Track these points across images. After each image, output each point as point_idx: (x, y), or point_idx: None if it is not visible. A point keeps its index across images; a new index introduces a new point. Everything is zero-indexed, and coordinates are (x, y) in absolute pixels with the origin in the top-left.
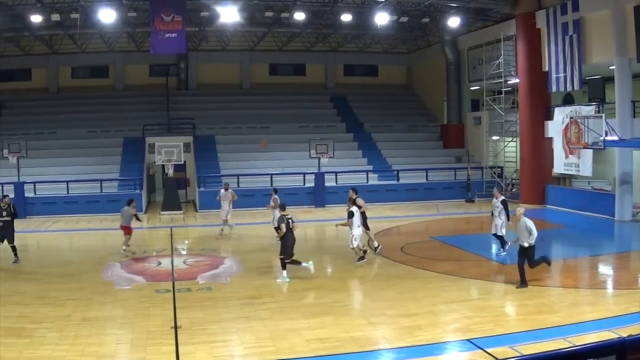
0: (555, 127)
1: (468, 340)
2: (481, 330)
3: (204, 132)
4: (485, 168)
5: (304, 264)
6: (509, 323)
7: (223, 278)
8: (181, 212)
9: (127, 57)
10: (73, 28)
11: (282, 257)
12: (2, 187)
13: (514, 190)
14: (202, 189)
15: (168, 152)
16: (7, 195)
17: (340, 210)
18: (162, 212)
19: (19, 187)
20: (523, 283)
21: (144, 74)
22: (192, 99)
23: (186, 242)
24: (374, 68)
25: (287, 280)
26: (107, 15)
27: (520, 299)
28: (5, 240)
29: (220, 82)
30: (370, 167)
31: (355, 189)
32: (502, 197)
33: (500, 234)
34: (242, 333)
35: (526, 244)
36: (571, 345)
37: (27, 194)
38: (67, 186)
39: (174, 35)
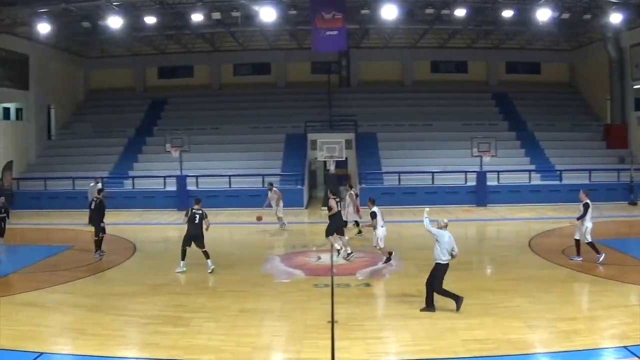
0: None
1: (625, 347)
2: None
3: (366, 129)
4: None
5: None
6: None
7: (382, 275)
8: None
9: (288, 54)
10: (234, 26)
11: None
12: (165, 179)
13: None
14: (363, 185)
15: (330, 148)
16: None
17: (503, 210)
18: (322, 208)
19: (181, 180)
20: (457, 300)
21: (306, 71)
22: (354, 96)
23: (346, 238)
24: (536, 65)
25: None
26: (267, 14)
27: None
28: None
29: (381, 80)
30: (532, 167)
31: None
32: (586, 200)
33: (586, 241)
34: (399, 331)
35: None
36: None
37: (189, 187)
38: (230, 180)
39: (334, 32)
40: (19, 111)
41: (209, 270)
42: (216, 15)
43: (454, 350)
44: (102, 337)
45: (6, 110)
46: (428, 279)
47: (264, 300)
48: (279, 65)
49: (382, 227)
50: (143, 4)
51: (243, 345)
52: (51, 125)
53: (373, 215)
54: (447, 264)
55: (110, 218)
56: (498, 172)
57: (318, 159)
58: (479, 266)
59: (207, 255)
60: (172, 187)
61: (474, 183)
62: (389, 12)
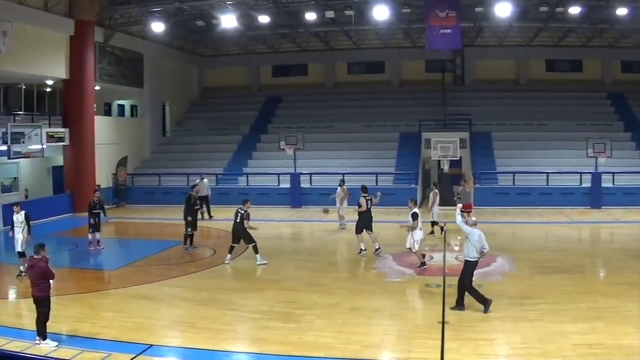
0: None
1: None
2: None
3: (480, 128)
4: None
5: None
6: None
7: (494, 276)
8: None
9: (402, 53)
10: (348, 25)
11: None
12: (279, 177)
13: None
14: (477, 185)
15: (444, 147)
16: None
17: (617, 212)
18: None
19: (295, 178)
20: (484, 304)
21: (420, 70)
22: (468, 95)
23: (459, 238)
24: None
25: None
26: (381, 12)
27: None
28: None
29: (496, 78)
30: None
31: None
32: None
33: None
34: (509, 333)
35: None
36: None
37: (302, 185)
38: (343, 178)
39: (448, 31)
40: (133, 108)
41: (257, 263)
42: (330, 14)
43: (563, 355)
44: (211, 330)
45: (121, 107)
46: (459, 278)
47: (375, 298)
48: (393, 64)
49: (420, 229)
50: (257, 3)
51: (353, 343)
52: (166, 122)
53: (415, 216)
54: (476, 262)
55: (224, 214)
56: (613, 173)
57: (432, 158)
58: (592, 269)
59: (255, 250)
60: (285, 184)
61: (588, 184)
62: (503, 10)
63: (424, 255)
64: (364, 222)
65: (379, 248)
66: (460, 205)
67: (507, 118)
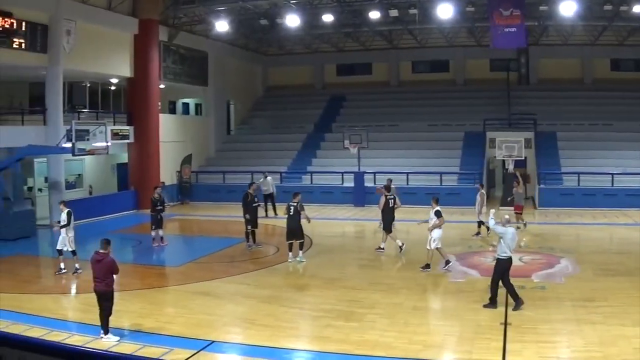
0: None
1: None
2: None
3: (545, 128)
4: None
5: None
6: None
7: (558, 278)
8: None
9: (467, 51)
10: (412, 23)
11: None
12: (342, 175)
13: None
14: (542, 185)
15: (509, 147)
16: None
17: None
18: (500, 208)
19: (359, 176)
20: (491, 301)
21: (485, 69)
22: (533, 94)
23: (523, 239)
24: None
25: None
26: (445, 11)
27: None
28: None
29: (561, 77)
30: None
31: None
32: None
33: None
34: (572, 336)
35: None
36: None
37: (366, 184)
38: (407, 177)
39: (513, 29)
40: (198, 106)
41: (297, 258)
42: (393, 13)
43: (624, 359)
44: (273, 328)
45: (185, 106)
46: (499, 278)
47: (437, 298)
48: (457, 63)
49: (440, 229)
50: (320, 2)
51: (414, 343)
52: (230, 120)
53: (439, 214)
54: (509, 260)
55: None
56: None
57: (497, 158)
58: None
59: (301, 246)
60: (349, 183)
61: None
62: (568, 9)
63: (448, 260)
64: (389, 221)
65: (383, 248)
66: (493, 210)
67: (572, 118)
